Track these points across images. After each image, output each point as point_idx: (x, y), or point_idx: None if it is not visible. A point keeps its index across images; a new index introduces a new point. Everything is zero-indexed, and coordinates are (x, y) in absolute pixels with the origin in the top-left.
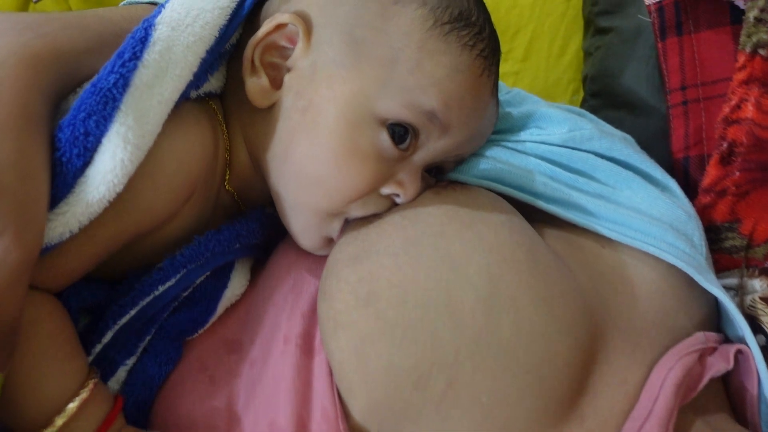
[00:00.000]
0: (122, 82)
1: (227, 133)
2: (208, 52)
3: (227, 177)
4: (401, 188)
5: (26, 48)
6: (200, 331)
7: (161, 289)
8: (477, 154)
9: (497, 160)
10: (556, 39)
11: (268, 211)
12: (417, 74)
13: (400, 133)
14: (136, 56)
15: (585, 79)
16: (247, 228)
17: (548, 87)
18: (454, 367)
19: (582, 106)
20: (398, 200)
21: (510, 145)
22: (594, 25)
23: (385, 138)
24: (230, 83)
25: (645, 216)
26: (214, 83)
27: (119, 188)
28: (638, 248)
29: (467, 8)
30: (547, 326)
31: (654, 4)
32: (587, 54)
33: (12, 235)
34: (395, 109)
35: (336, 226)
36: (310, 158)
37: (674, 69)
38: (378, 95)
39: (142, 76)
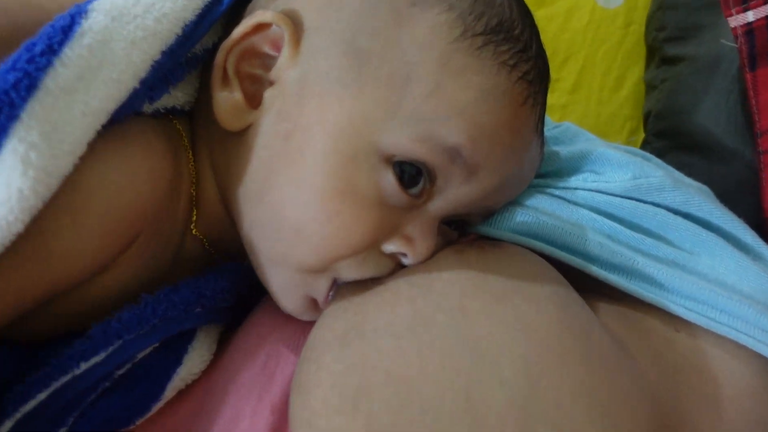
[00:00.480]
0: (27, 83)
1: (194, 162)
2: (165, 53)
3: (194, 218)
4: (409, 245)
5: None
6: (138, 422)
7: (83, 366)
8: (514, 202)
9: (540, 211)
10: (611, 69)
11: (246, 265)
12: (437, 98)
13: (411, 173)
14: (51, 50)
15: (647, 117)
16: (214, 286)
17: (600, 124)
18: None
19: (643, 148)
20: (405, 261)
21: (557, 192)
22: (660, 54)
23: (390, 179)
24: (201, 98)
25: (733, 292)
26: (179, 97)
27: (19, 227)
28: (724, 335)
29: (509, 18)
30: None
31: (742, 26)
32: (650, 87)
33: None
34: (405, 143)
35: (323, 285)
36: (292, 199)
37: (766, 107)
38: (384, 123)
39: (58, 77)
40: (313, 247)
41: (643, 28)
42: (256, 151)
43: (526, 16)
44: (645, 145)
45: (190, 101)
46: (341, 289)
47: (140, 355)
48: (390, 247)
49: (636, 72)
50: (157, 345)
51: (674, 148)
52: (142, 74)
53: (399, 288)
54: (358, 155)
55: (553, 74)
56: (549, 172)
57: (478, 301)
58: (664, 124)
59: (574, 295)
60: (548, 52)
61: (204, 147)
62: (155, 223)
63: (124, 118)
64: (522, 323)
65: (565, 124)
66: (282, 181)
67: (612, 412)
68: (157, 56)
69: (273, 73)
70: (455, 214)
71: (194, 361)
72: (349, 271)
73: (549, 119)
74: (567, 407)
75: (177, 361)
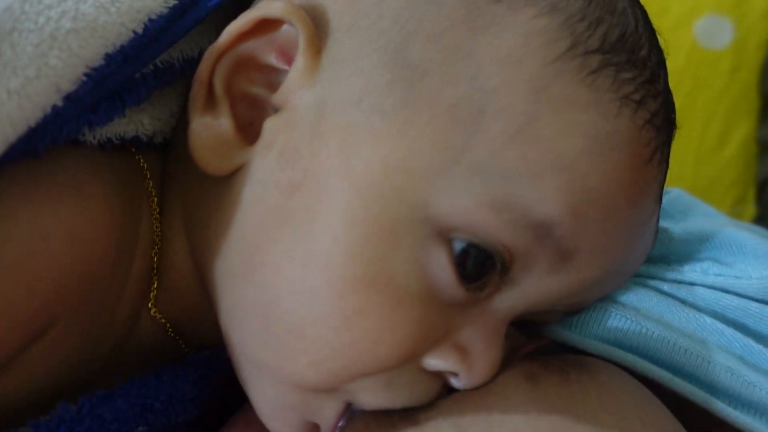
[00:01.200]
0: None
1: (159, 215)
2: (110, 58)
3: (153, 293)
4: (463, 361)
5: None
6: None
7: None
8: (606, 298)
9: (643, 314)
10: (713, 122)
11: (220, 361)
12: (525, 144)
13: (477, 261)
14: None
15: (764, 185)
16: (170, 391)
17: (698, 189)
18: None
19: (754, 223)
20: (456, 384)
21: (666, 287)
22: None
23: (442, 264)
24: (180, 127)
25: None
26: (144, 123)
27: None
28: None
29: (634, 32)
30: None
31: None
32: (765, 146)
33: None
34: (470, 209)
35: (330, 411)
36: (293, 285)
37: None
38: (439, 177)
39: None
40: (319, 359)
41: (755, 75)
42: (244, 207)
43: (652, 32)
44: (758, 221)
45: (163, 130)
46: (360, 415)
47: None
48: (435, 362)
49: (744, 127)
50: None
51: None
52: (67, 87)
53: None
54: (397, 225)
55: None
56: (655, 257)
57: None
58: None
59: None
60: None
61: (176, 196)
62: (84, 306)
63: (46, 150)
64: None
65: (674, 191)
66: (279, 255)
67: None
68: (96, 61)
69: (279, 95)
70: (528, 313)
71: None
72: (371, 396)
73: None
74: None
75: None
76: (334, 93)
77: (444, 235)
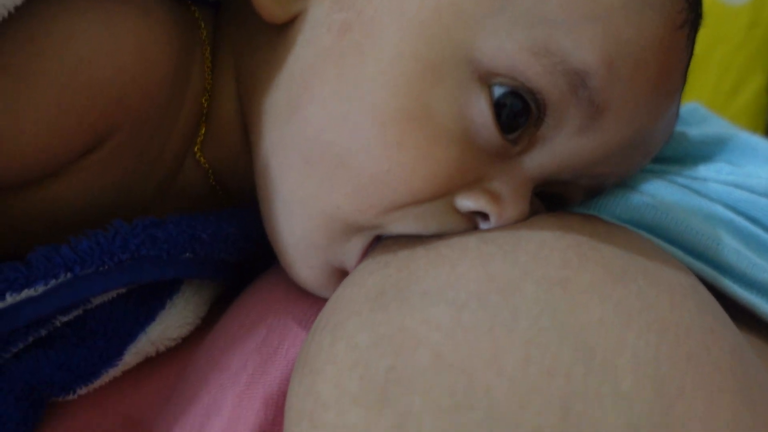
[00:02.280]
0: None
1: (212, 64)
2: None
3: (201, 137)
4: (495, 204)
5: None
6: (79, 392)
7: (10, 300)
8: (624, 185)
9: (661, 200)
10: (728, 73)
11: (259, 216)
12: None
13: (515, 109)
14: None
15: None
16: (215, 230)
17: None
18: None
19: None
20: (484, 225)
21: (681, 181)
22: None
23: (482, 107)
24: None
25: None
26: None
27: None
28: None
29: None
30: None
31: None
32: None
33: None
34: (512, 52)
35: (356, 247)
36: (338, 118)
37: None
38: (485, 19)
39: None
40: (357, 186)
41: None
42: (297, 50)
43: None
44: None
45: None
46: (383, 242)
47: (96, 301)
48: (467, 202)
49: (759, 79)
50: (123, 291)
51: None
52: None
53: (467, 243)
54: (441, 64)
55: None
56: (671, 157)
57: (587, 274)
58: None
59: (718, 305)
60: None
61: (228, 47)
62: (140, 124)
63: None
64: (651, 315)
65: (692, 105)
66: (327, 91)
67: None
68: None
69: None
70: (555, 179)
71: (172, 321)
72: (400, 225)
73: None
74: None
75: (148, 318)
76: None
77: (485, 80)
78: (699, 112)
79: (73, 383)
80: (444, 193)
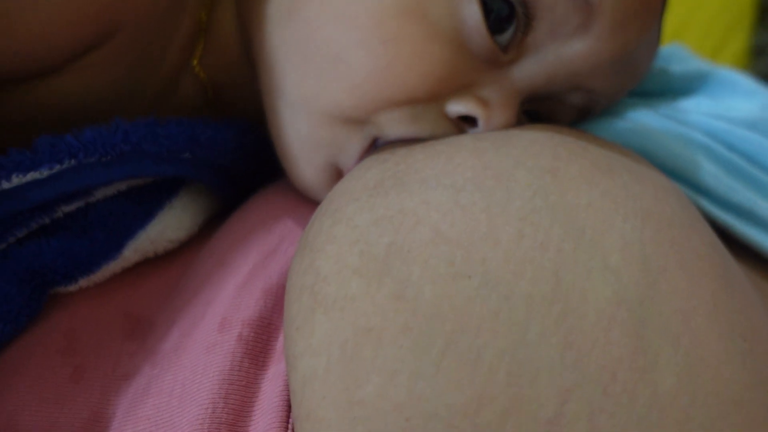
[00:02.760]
0: None
1: None
2: None
3: (199, 51)
4: (483, 109)
5: None
6: (81, 282)
7: (16, 181)
8: (610, 113)
9: (644, 125)
10: (710, 34)
11: (254, 129)
12: None
13: (501, 13)
14: None
15: None
16: (213, 135)
17: None
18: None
19: None
20: (473, 130)
21: (663, 111)
22: None
23: (474, 10)
24: None
25: None
26: None
27: None
28: None
29: None
30: (744, 390)
31: None
32: (758, 52)
33: None
34: None
35: (356, 145)
36: (336, 15)
37: None
38: None
39: None
40: (356, 82)
41: None
42: None
43: None
44: None
45: None
46: (380, 147)
47: (98, 195)
48: (457, 107)
49: (740, 40)
50: (124, 189)
51: None
52: None
53: (462, 140)
54: None
55: None
56: (654, 92)
57: (577, 165)
58: None
59: (694, 206)
60: None
61: None
62: (142, 26)
63: None
64: (637, 204)
65: (674, 45)
66: None
67: (757, 354)
68: None
69: None
70: (547, 91)
71: (170, 222)
72: (396, 126)
73: None
74: (697, 326)
75: (147, 216)
76: None
77: None
78: (681, 52)
79: (73, 271)
80: (437, 95)
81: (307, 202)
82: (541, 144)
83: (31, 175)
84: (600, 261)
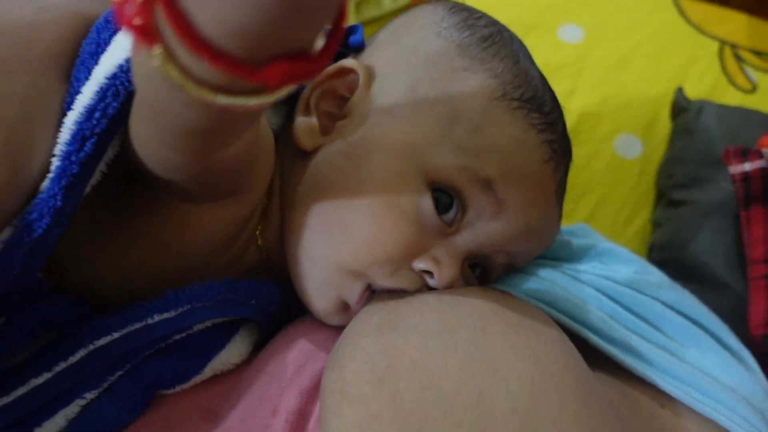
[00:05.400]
0: None
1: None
2: None
3: (260, 228)
4: (436, 266)
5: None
6: (178, 388)
7: (157, 318)
8: (528, 271)
9: (551, 282)
10: (624, 208)
11: (289, 285)
12: (477, 136)
13: (445, 203)
14: None
15: (651, 250)
16: (267, 289)
17: None
18: None
19: None
20: (431, 282)
21: (567, 271)
22: (667, 198)
23: (427, 202)
24: (287, 124)
25: (716, 382)
26: (272, 122)
27: None
28: (705, 415)
29: (542, 97)
30: None
31: (739, 174)
32: (656, 225)
33: None
34: (447, 168)
35: (357, 290)
36: (343, 204)
37: (758, 240)
38: (432, 150)
39: None
40: (355, 246)
41: (654, 177)
42: (320, 166)
43: (557, 105)
44: None
45: (279, 124)
46: (375, 295)
47: (196, 327)
48: (420, 264)
49: (645, 214)
50: (209, 326)
51: (674, 278)
52: None
53: (429, 300)
54: (407, 175)
55: (570, 205)
56: (561, 257)
57: (498, 326)
58: (665, 254)
59: (576, 351)
60: (568, 186)
61: (278, 161)
62: (253, 195)
63: None
64: (532, 352)
65: (581, 224)
66: (338, 187)
67: None
68: None
69: (345, 109)
70: (479, 251)
71: (234, 350)
72: (384, 279)
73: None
74: (562, 429)
75: (221, 344)
76: (376, 107)
77: (430, 185)
78: (584, 230)
79: (175, 382)
80: (406, 256)
81: (323, 329)
82: (477, 308)
83: (165, 315)
84: (506, 387)
